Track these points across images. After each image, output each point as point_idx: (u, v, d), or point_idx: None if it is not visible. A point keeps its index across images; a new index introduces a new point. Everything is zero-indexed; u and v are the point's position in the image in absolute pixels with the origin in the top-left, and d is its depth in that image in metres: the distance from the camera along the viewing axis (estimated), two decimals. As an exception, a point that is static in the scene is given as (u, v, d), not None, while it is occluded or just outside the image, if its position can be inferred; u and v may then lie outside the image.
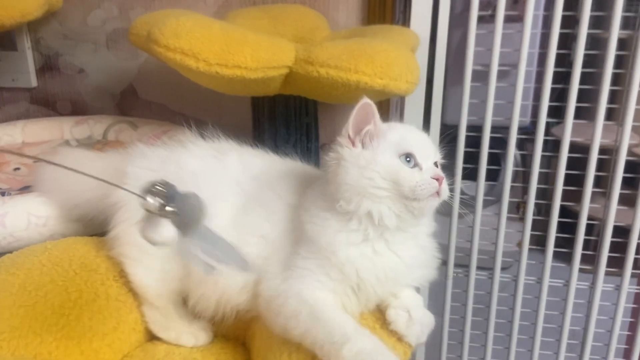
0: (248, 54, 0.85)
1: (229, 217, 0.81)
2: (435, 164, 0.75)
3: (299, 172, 0.85)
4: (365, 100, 0.73)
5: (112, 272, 0.85)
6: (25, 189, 1.01)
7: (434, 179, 0.71)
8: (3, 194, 0.99)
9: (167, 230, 0.56)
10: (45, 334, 0.74)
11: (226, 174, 0.84)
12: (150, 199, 0.55)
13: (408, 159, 0.72)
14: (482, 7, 1.22)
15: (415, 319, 0.74)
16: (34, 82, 1.46)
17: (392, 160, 0.71)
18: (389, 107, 1.36)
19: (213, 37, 0.84)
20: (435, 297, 1.44)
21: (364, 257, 0.73)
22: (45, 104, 1.48)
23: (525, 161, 1.88)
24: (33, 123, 1.28)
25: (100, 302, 0.82)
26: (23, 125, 1.26)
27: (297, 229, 0.77)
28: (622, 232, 1.29)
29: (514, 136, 1.26)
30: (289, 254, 0.76)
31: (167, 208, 0.55)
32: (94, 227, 0.91)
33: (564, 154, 1.25)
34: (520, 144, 2.17)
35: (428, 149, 0.75)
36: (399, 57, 0.92)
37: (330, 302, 0.72)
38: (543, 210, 1.36)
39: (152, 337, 0.87)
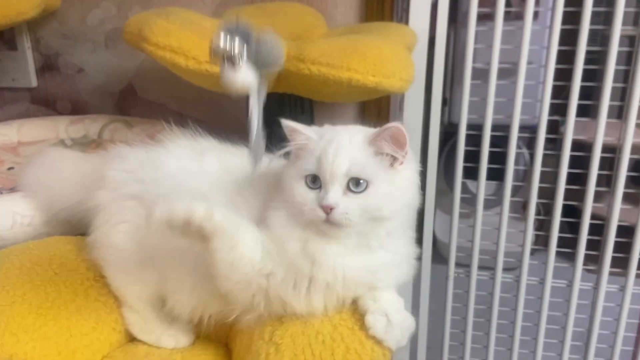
0: (238, 51, 0.84)
1: None
2: (359, 181, 0.68)
3: (274, 173, 0.82)
4: (283, 122, 0.74)
5: (92, 272, 0.85)
6: (16, 189, 1.01)
7: (321, 206, 0.68)
8: (-5, 193, 0.99)
9: (246, 74, 0.57)
10: (21, 333, 0.74)
11: (205, 176, 0.82)
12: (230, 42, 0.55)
13: (315, 179, 0.69)
14: (489, 4, 1.20)
15: (394, 323, 0.73)
16: (34, 81, 1.46)
17: (293, 180, 0.71)
18: (389, 105, 1.34)
19: (203, 34, 0.84)
20: (436, 297, 1.43)
21: (328, 255, 0.71)
22: (45, 104, 1.49)
23: (534, 160, 1.86)
24: (29, 122, 1.28)
25: (79, 302, 0.81)
26: (19, 125, 1.27)
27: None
28: (628, 232, 1.27)
29: (514, 135, 1.25)
30: None
31: (245, 52, 0.55)
32: (79, 226, 0.91)
33: (566, 152, 1.23)
34: (530, 143, 2.15)
35: (336, 169, 0.68)
36: (393, 54, 0.91)
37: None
38: (551, 209, 1.34)
39: (132, 338, 0.87)
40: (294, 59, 0.89)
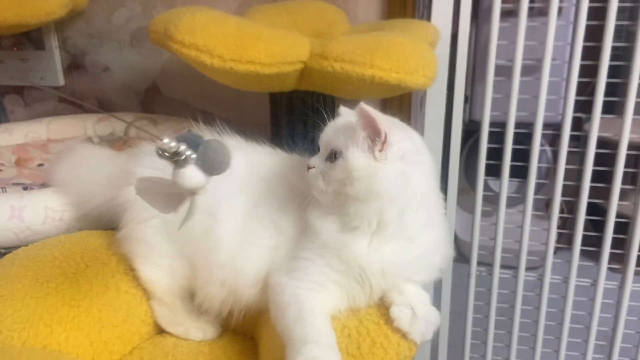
0: (262, 49, 0.85)
1: (238, 219, 0.82)
2: (333, 153, 0.73)
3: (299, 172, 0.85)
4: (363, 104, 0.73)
5: (122, 265, 0.87)
6: (47, 185, 1.04)
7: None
8: (25, 189, 1.02)
9: (195, 175, 0.60)
10: (55, 325, 0.75)
11: (233, 175, 0.83)
12: (173, 145, 0.59)
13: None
14: (512, 0, 1.19)
15: (419, 316, 0.73)
16: (61, 80, 1.49)
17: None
18: (411, 103, 1.34)
19: (227, 32, 0.85)
20: (458, 296, 1.43)
21: (362, 249, 0.73)
22: (72, 102, 1.51)
23: (558, 158, 1.84)
24: (57, 120, 1.31)
25: (110, 294, 0.83)
26: (48, 123, 1.30)
27: (304, 217, 0.78)
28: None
29: (538, 132, 1.23)
30: (296, 244, 0.77)
31: (189, 154, 0.59)
32: (109, 221, 0.92)
33: (591, 149, 1.21)
34: (552, 140, 2.12)
35: (323, 142, 0.77)
36: (416, 51, 0.90)
37: (322, 307, 0.73)
38: (574, 207, 1.32)
39: (162, 330, 0.88)
40: (317, 57, 0.90)
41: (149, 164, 0.87)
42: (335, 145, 0.73)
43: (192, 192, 0.63)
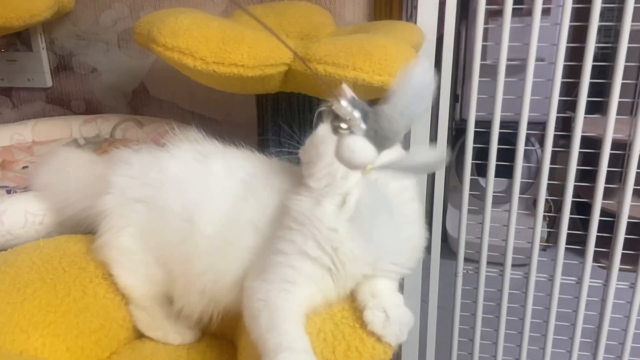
0: (245, 51, 0.85)
1: (216, 225, 0.80)
2: None
3: (289, 169, 0.85)
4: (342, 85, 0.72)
5: (101, 270, 0.86)
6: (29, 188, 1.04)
7: None
8: (9, 192, 1.02)
9: (366, 148, 0.52)
10: (31, 330, 0.75)
11: (211, 180, 0.83)
12: (349, 110, 0.50)
13: None
14: (500, 1, 1.20)
15: (392, 318, 0.73)
16: (49, 81, 1.49)
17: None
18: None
19: (210, 35, 0.85)
20: (445, 293, 1.44)
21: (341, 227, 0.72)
22: (60, 104, 1.51)
23: (543, 156, 1.86)
24: (43, 122, 1.31)
25: (88, 299, 0.83)
26: (33, 125, 1.29)
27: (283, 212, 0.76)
28: (639, 228, 1.26)
29: (523, 132, 1.25)
30: (269, 251, 0.75)
31: (362, 125, 0.50)
32: (90, 225, 0.92)
33: (575, 148, 1.22)
34: (542, 140, 2.14)
35: None
36: (399, 53, 0.91)
37: (294, 309, 0.71)
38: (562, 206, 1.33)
39: (140, 335, 0.88)
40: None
41: (125, 172, 0.87)
42: None
43: (358, 169, 0.54)
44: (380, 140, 0.52)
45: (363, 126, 0.51)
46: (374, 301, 0.75)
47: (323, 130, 0.76)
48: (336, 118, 0.51)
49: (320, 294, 0.74)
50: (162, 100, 1.46)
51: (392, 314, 0.73)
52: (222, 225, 0.80)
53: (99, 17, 1.42)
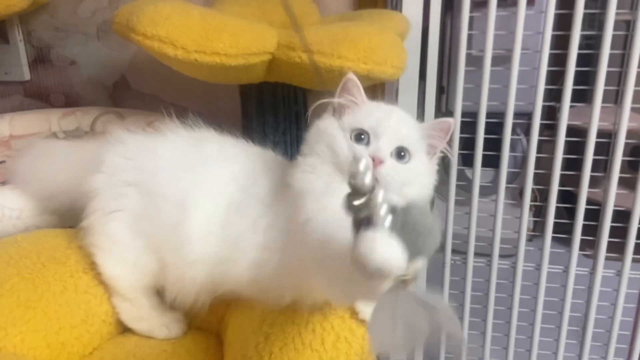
0: (227, 40, 0.83)
1: (210, 211, 0.78)
2: (401, 151, 0.71)
3: (278, 168, 0.82)
4: (349, 76, 0.73)
5: (81, 264, 0.84)
6: (5, 183, 1.01)
7: (370, 157, 0.68)
8: (-14, 187, 0.99)
9: (393, 249, 0.38)
10: (10, 327, 0.73)
11: (205, 167, 0.81)
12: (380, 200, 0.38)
13: (361, 136, 0.70)
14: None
15: None
16: (27, 75, 1.46)
17: (338, 130, 0.71)
18: (385, 94, 1.34)
19: (191, 23, 0.83)
20: (433, 284, 1.43)
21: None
22: (38, 97, 1.48)
23: (529, 146, 1.86)
24: (20, 116, 1.27)
25: (69, 294, 0.81)
26: (10, 118, 1.26)
27: (288, 211, 0.73)
28: (625, 217, 1.27)
29: (509, 122, 1.24)
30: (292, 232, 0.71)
31: (385, 211, 0.37)
32: (69, 219, 0.90)
33: (561, 137, 1.22)
34: (529, 130, 2.14)
35: (390, 131, 0.70)
36: (383, 41, 0.90)
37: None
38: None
39: (124, 330, 0.86)
40: (285, 48, 0.89)
41: (119, 153, 0.84)
42: (409, 145, 0.71)
43: (381, 275, 0.39)
44: (409, 241, 0.39)
45: (389, 217, 0.39)
46: None
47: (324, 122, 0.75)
48: (354, 195, 0.39)
49: None
50: (144, 93, 1.43)
51: None
52: (216, 213, 0.78)
53: (77, 8, 1.38)
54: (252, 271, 0.75)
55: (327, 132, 0.72)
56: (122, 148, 0.85)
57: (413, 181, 0.71)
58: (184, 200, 0.78)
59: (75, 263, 0.84)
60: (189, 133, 0.87)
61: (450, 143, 0.76)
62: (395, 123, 0.71)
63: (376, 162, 0.68)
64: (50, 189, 0.91)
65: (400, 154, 0.71)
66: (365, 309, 0.72)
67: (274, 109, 1.10)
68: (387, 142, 0.70)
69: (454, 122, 0.73)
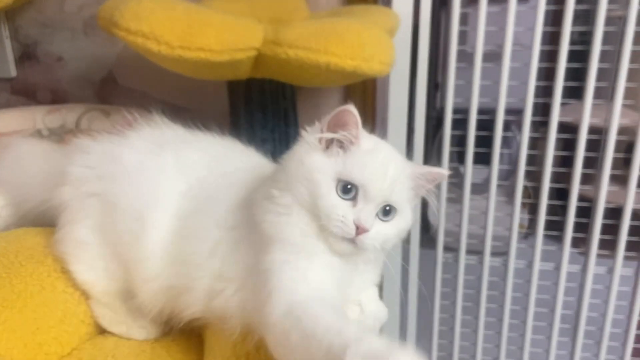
0: (212, 35, 0.82)
1: (168, 227, 0.76)
2: (387, 206, 0.67)
3: (244, 172, 0.80)
4: (349, 107, 0.65)
5: (60, 263, 0.83)
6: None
7: (355, 223, 0.64)
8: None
9: None
10: (-15, 327, 0.72)
11: (162, 177, 0.79)
12: None
13: (348, 187, 0.64)
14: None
15: (367, 312, 0.72)
16: (13, 72, 1.44)
17: (325, 178, 0.65)
18: (375, 91, 1.33)
19: (175, 19, 0.82)
20: (425, 282, 1.42)
21: (328, 267, 0.67)
22: (25, 94, 1.46)
23: (521, 143, 1.86)
24: (5, 113, 1.25)
25: (46, 294, 0.79)
26: (-6, 115, 1.24)
27: (248, 240, 0.70)
28: (616, 214, 1.26)
29: (500, 118, 1.23)
30: (251, 274, 0.68)
31: None
32: (49, 220, 0.88)
33: (552, 134, 1.22)
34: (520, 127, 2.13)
35: (381, 193, 0.65)
36: (371, 37, 0.88)
37: (318, 300, 0.62)
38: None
39: (103, 330, 0.85)
40: (271, 43, 0.87)
41: (82, 163, 0.83)
42: (397, 202, 0.67)
43: None
44: None
45: None
46: None
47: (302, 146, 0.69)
48: None
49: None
50: (132, 89, 1.41)
51: (368, 309, 0.72)
52: (174, 229, 0.76)
53: (63, 4, 1.36)
54: (207, 299, 0.72)
55: (311, 175, 0.65)
56: (85, 157, 0.84)
57: (393, 239, 0.69)
58: (142, 213, 0.76)
59: (53, 262, 0.83)
60: (152, 135, 0.84)
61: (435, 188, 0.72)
62: (389, 184, 0.65)
63: (360, 230, 0.64)
64: (26, 194, 0.90)
65: (386, 208, 0.67)
66: (349, 313, 0.72)
67: (262, 106, 1.09)
68: (375, 205, 0.65)
69: (447, 175, 0.71)
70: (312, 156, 0.66)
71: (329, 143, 0.67)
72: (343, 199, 0.65)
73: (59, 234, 0.83)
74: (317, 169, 0.65)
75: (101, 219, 0.80)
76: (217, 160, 0.82)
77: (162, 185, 0.78)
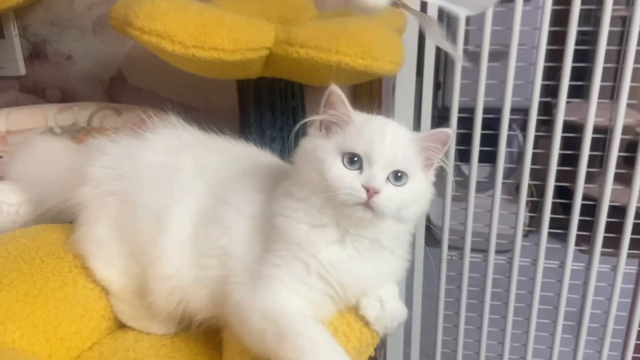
0: (225, 35, 0.83)
1: (186, 228, 0.77)
2: (398, 172, 0.68)
3: (262, 171, 0.81)
4: (332, 88, 0.68)
5: (80, 259, 0.84)
6: (3, 178, 1.01)
7: (364, 187, 0.65)
8: (-17, 182, 0.98)
9: None
10: (9, 322, 0.73)
11: (180, 177, 0.81)
12: None
13: (354, 159, 0.67)
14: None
15: (387, 310, 0.72)
16: (22, 70, 1.45)
17: (329, 154, 0.67)
18: (381, 90, 1.34)
19: (189, 18, 0.83)
20: (430, 280, 1.44)
21: (341, 259, 0.69)
22: (34, 92, 1.47)
23: (526, 142, 1.87)
24: (17, 111, 1.26)
25: (67, 289, 0.81)
26: (7, 114, 1.25)
27: (263, 234, 0.73)
28: (620, 212, 1.27)
29: (506, 117, 1.25)
30: (256, 262, 0.71)
31: None
32: (67, 218, 0.90)
33: (558, 133, 1.23)
34: (524, 125, 2.14)
35: (385, 155, 0.66)
36: (381, 37, 0.90)
37: (299, 313, 0.67)
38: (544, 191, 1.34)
39: (122, 325, 0.87)
40: (282, 43, 0.88)
41: (101, 163, 0.85)
42: (406, 166, 0.68)
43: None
44: None
45: None
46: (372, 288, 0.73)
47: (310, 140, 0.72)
48: None
49: (324, 310, 0.72)
50: (141, 88, 1.42)
51: (388, 307, 0.73)
52: (190, 233, 0.77)
53: (73, 3, 1.37)
54: (214, 294, 0.74)
55: (316, 155, 0.68)
56: (104, 158, 0.86)
57: (410, 204, 0.69)
58: (161, 212, 0.78)
59: (74, 258, 0.85)
60: (169, 137, 0.86)
61: (447, 154, 0.72)
62: (389, 146, 0.67)
63: (370, 192, 0.65)
64: (45, 193, 0.91)
65: (397, 175, 0.68)
66: (369, 307, 0.73)
67: (271, 105, 1.10)
68: (381, 169, 0.66)
69: (453, 133, 0.70)
70: (314, 142, 0.70)
71: (328, 129, 0.70)
72: (350, 169, 0.67)
73: (78, 233, 0.85)
74: (320, 148, 0.68)
75: (120, 218, 0.82)
76: (234, 162, 0.84)
77: (182, 185, 0.80)
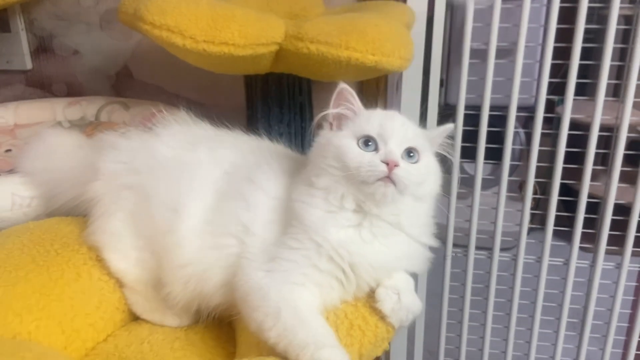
0: (235, 30, 0.83)
1: (203, 216, 0.79)
2: (410, 151, 0.72)
3: (284, 157, 0.84)
4: (342, 85, 0.74)
5: (94, 252, 0.85)
6: (14, 171, 1.01)
7: (383, 162, 0.69)
8: (-6, 175, 0.99)
9: None
10: (25, 314, 0.73)
11: (197, 169, 0.82)
12: None
13: (368, 143, 0.71)
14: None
15: (403, 303, 0.73)
16: (29, 64, 1.45)
17: (345, 140, 0.72)
18: (387, 86, 1.34)
19: (200, 13, 0.83)
20: (434, 276, 1.44)
21: (354, 242, 0.71)
22: (40, 86, 1.47)
23: (532, 140, 1.87)
24: (25, 104, 1.27)
25: (83, 281, 0.81)
26: (15, 107, 1.25)
27: (283, 217, 0.75)
28: (624, 211, 1.28)
29: (512, 115, 1.24)
30: (273, 244, 0.73)
31: None
32: (80, 212, 0.90)
33: (564, 131, 1.23)
34: (525, 123, 2.13)
35: (397, 134, 0.71)
36: (391, 33, 0.90)
37: (312, 304, 0.70)
38: (548, 189, 1.34)
39: (136, 317, 0.87)
40: (292, 38, 0.88)
41: (113, 158, 0.86)
42: (417, 145, 0.73)
43: None
44: None
45: None
46: (388, 281, 0.74)
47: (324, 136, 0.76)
48: None
49: (333, 295, 0.73)
50: (147, 83, 1.42)
51: (405, 299, 0.73)
52: (208, 216, 0.79)
53: (79, -3, 1.37)
54: (229, 276, 0.75)
55: (332, 143, 0.73)
56: (116, 153, 0.87)
57: (426, 180, 0.73)
58: (177, 202, 0.79)
59: (89, 251, 0.85)
60: (182, 132, 0.88)
61: (452, 138, 0.79)
62: (400, 125, 0.72)
63: (390, 165, 0.68)
64: (57, 189, 0.92)
65: (410, 154, 0.72)
66: (387, 299, 0.73)
67: (278, 100, 1.10)
68: (396, 144, 0.70)
69: (458, 130, 0.76)
70: (328, 136, 0.76)
71: (338, 124, 0.75)
72: (367, 151, 0.71)
73: (92, 227, 0.85)
74: (335, 137, 0.73)
75: (135, 211, 0.82)
76: (251, 153, 0.85)
77: (198, 175, 0.81)
